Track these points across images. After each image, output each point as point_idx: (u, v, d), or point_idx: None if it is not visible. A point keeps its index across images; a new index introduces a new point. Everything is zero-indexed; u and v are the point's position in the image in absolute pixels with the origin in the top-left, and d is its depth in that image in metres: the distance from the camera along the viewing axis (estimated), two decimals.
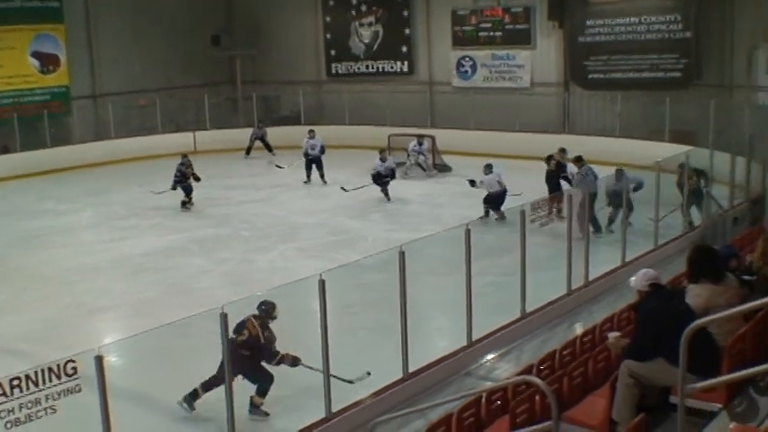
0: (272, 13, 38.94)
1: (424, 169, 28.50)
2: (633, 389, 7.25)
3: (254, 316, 11.47)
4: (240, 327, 11.25)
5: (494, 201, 21.51)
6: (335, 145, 30.87)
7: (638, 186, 18.02)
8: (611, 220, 18.72)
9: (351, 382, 11.29)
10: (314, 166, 27.67)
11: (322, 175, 27.58)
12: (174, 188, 24.40)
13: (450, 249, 13.09)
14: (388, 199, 24.48)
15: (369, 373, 11.54)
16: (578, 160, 20.41)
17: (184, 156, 25.33)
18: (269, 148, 33.19)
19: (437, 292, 15.14)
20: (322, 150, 27.79)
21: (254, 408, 11.25)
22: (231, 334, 10.40)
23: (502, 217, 20.57)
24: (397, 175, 25.99)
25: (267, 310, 11.57)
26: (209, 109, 35.86)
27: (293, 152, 29.30)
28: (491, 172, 21.90)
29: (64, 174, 31.04)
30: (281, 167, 23.02)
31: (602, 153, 26.92)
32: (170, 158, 32.20)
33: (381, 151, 25.72)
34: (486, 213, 21.60)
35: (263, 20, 39.12)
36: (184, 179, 24.47)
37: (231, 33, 38.92)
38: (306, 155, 27.90)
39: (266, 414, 11.25)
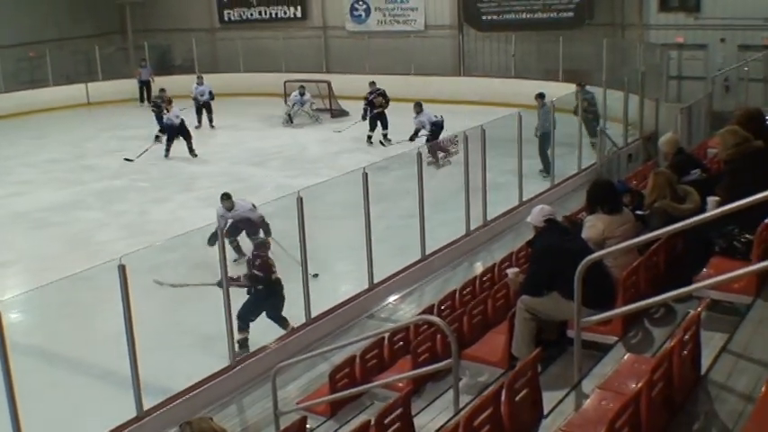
0: None
1: (310, 117, 28.48)
2: (530, 323, 7.41)
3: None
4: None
5: (436, 136, 21.47)
6: (230, 93, 30.64)
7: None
8: None
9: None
10: (204, 110, 27.82)
11: (211, 120, 27.92)
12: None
13: (349, 194, 13.14)
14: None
15: (316, 275, 11.70)
16: (539, 97, 19.76)
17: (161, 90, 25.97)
18: (149, 93, 32.97)
19: (338, 238, 15.22)
20: (211, 96, 27.95)
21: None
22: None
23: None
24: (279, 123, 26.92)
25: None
26: (101, 60, 35.09)
27: (186, 100, 28.94)
28: (422, 110, 22.47)
29: None
30: (129, 160, 22.42)
31: (497, 95, 27.28)
32: (63, 111, 31.77)
33: None
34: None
35: None
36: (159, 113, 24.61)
37: None
38: (195, 100, 27.77)
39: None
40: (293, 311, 11.54)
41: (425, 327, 8.69)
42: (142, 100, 33.30)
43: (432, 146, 18.94)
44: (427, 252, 13.46)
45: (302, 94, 28.31)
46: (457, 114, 24.91)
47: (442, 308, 9.47)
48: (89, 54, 35.10)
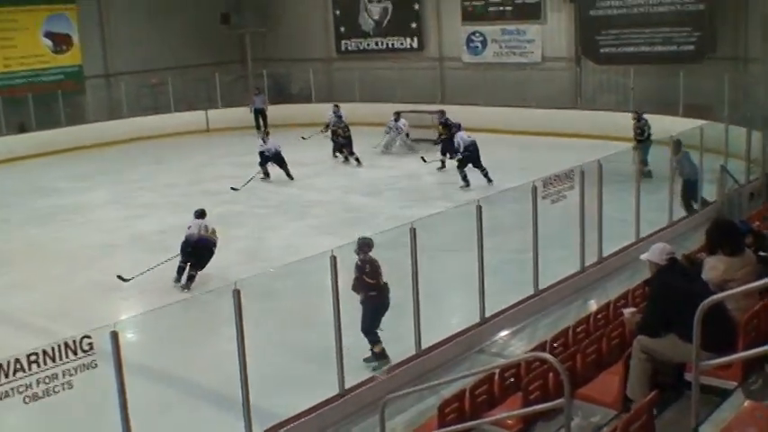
0: None
1: (406, 146, 28.66)
2: (646, 365, 7.23)
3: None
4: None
5: (474, 155, 22.86)
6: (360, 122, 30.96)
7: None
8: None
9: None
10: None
11: (351, 153, 27.53)
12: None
13: (462, 226, 13.08)
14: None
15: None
16: (677, 147, 17.98)
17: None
18: (265, 122, 33.61)
19: (450, 269, 15.16)
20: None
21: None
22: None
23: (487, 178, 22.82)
24: (377, 149, 27.29)
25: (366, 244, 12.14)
26: (221, 87, 35.89)
27: (304, 129, 29.29)
28: (459, 129, 23.44)
29: (79, 152, 31.19)
30: (235, 189, 22.69)
31: (615, 128, 26.87)
32: (182, 137, 32.56)
33: None
34: (466, 180, 22.87)
35: None
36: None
37: (240, 11, 38.79)
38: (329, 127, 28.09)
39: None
40: (403, 344, 11.49)
41: (537, 364, 8.54)
42: (258, 128, 33.84)
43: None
44: (540, 287, 13.30)
45: (396, 120, 28.36)
46: (573, 148, 24.74)
47: (555, 345, 9.30)
48: (209, 82, 35.93)
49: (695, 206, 17.55)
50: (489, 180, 22.90)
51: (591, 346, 8.58)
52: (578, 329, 9.62)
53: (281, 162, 24.80)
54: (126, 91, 34.54)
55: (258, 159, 25.01)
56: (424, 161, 25.40)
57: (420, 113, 29.68)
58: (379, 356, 11.91)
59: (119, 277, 16.29)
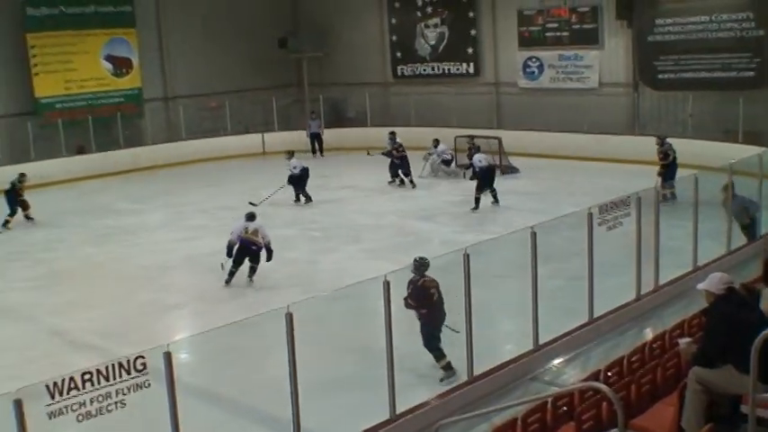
0: (339, 16, 39.13)
1: (446, 173, 28.71)
2: (702, 396, 7.11)
3: (422, 277, 12.35)
4: (426, 290, 12.25)
5: (485, 181, 23.68)
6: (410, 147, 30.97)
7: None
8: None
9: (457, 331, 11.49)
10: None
11: (407, 174, 27.51)
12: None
13: (516, 252, 12.99)
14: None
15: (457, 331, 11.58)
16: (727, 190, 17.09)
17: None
18: (320, 146, 34.01)
19: (503, 295, 15.06)
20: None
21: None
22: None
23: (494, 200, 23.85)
24: (417, 174, 27.37)
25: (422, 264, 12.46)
26: (277, 111, 36.19)
27: (359, 153, 29.38)
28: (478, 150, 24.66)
29: (137, 174, 31.71)
30: (253, 204, 22.64)
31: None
32: (239, 159, 32.88)
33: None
34: (477, 204, 23.58)
35: (329, 22, 39.31)
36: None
37: (298, 36, 39.16)
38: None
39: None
40: (456, 369, 11.42)
41: (591, 393, 8.44)
42: (314, 152, 34.14)
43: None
44: (595, 315, 13.15)
45: (435, 146, 28.31)
46: (630, 174, 24.55)
47: (609, 374, 9.18)
48: (266, 105, 36.31)
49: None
50: (496, 201, 23.95)
51: (646, 376, 8.47)
52: (633, 359, 9.50)
53: (298, 184, 25.33)
54: (184, 114, 34.99)
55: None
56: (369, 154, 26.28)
57: (478, 138, 29.63)
58: (447, 369, 12.09)
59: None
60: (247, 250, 17.73)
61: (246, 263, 17.74)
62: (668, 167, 22.95)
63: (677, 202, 20.03)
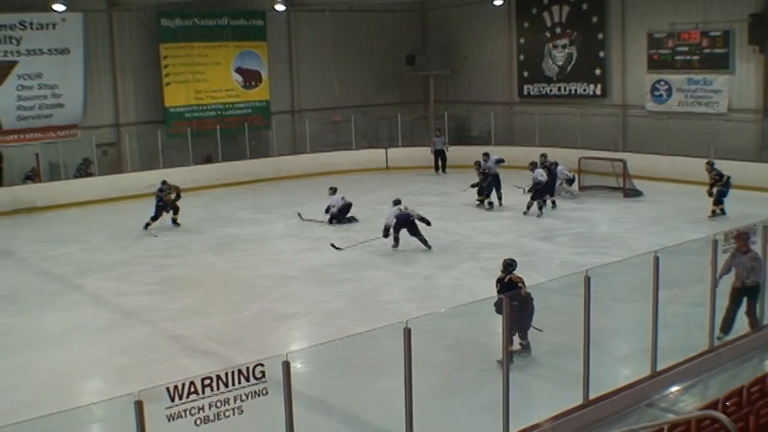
0: (467, 34, 39.34)
1: (566, 192, 28.54)
2: None
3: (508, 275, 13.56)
4: (512, 285, 13.13)
5: (543, 191, 25.90)
6: (524, 166, 30.81)
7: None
8: None
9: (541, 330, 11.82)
10: (494, 186, 27.56)
11: (500, 197, 27.51)
12: None
13: (637, 276, 12.89)
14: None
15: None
16: None
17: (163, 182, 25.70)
18: (444, 163, 34.20)
19: (622, 319, 14.92)
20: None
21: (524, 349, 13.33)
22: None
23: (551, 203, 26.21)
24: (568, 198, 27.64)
25: (511, 263, 13.79)
26: (402, 127, 36.49)
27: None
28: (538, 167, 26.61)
29: (261, 184, 32.40)
30: (337, 248, 22.84)
31: None
32: (362, 173, 33.28)
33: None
34: (541, 206, 25.79)
35: (457, 40, 39.57)
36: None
37: (426, 53, 39.46)
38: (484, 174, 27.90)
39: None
40: (570, 392, 11.36)
41: (708, 422, 8.34)
42: (437, 169, 34.28)
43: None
44: (715, 343, 12.94)
45: (556, 165, 28.07)
46: (758, 202, 24.06)
47: (728, 404, 9.05)
48: (391, 121, 36.70)
49: None
50: (500, 203, 27.12)
51: (765, 408, 8.32)
52: (753, 389, 9.33)
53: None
54: (310, 127, 35.56)
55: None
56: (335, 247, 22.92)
57: (602, 160, 29.44)
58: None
59: (332, 245, 21.88)
60: (404, 222, 21.54)
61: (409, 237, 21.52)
62: (723, 187, 24.59)
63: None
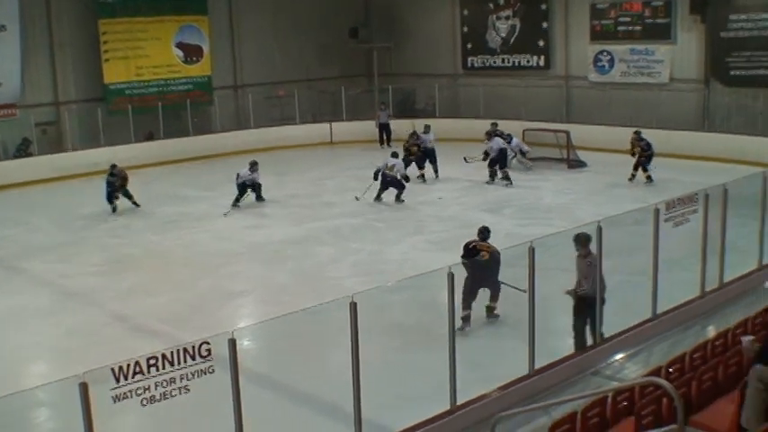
0: (410, 6, 39.20)
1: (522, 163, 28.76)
2: (763, 394, 7.07)
3: (478, 241, 14.35)
4: (475, 252, 14.01)
5: (498, 161, 26.23)
6: (469, 138, 30.92)
7: None
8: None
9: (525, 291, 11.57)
10: (428, 159, 27.69)
11: (436, 170, 27.66)
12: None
13: None
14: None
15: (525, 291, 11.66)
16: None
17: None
18: (389, 136, 34.26)
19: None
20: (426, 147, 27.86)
21: (491, 313, 14.18)
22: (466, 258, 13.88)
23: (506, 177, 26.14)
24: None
25: (484, 230, 14.57)
26: (346, 100, 36.35)
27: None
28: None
29: (205, 161, 32.03)
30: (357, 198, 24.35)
31: (742, 152, 26.33)
32: (306, 148, 33.14)
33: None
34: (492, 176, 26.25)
35: (400, 13, 39.41)
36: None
37: (369, 26, 39.34)
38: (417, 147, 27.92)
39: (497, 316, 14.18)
40: (516, 362, 11.45)
41: (651, 388, 8.43)
42: (382, 143, 34.23)
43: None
44: (658, 311, 13.09)
45: (495, 131, 28.16)
46: (698, 171, 24.39)
47: (670, 370, 9.17)
48: (335, 95, 36.48)
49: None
50: (436, 175, 27.53)
51: (707, 373, 8.46)
52: (695, 355, 9.47)
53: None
54: (253, 102, 35.26)
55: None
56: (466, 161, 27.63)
57: (546, 132, 29.60)
58: (464, 320, 13.66)
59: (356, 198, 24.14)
60: (385, 181, 23.79)
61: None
62: (649, 156, 25.51)
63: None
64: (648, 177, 25.31)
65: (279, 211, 23.65)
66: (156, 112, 32.95)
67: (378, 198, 23.96)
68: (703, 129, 30.10)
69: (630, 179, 25.47)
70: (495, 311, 14.19)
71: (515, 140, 28.26)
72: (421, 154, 27.37)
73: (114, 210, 24.09)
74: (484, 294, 14.00)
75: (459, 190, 25.70)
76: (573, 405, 8.87)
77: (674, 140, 28.57)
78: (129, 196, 24.45)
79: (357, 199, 24.24)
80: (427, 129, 28.41)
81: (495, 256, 14.02)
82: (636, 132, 25.90)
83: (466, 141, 30.44)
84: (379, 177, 23.92)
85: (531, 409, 9.74)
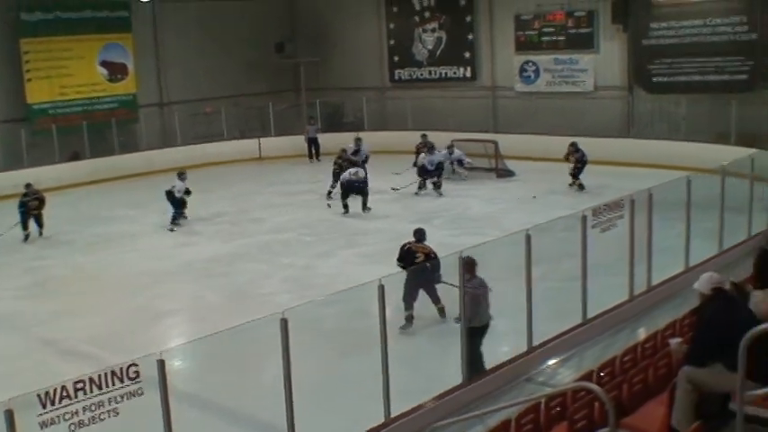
0: (336, 21, 39.22)
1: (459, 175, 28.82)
2: (692, 395, 7.15)
3: (414, 242, 14.95)
4: (411, 253, 14.65)
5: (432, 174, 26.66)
6: (398, 150, 30.98)
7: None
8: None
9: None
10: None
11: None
12: None
13: (511, 254, 13.04)
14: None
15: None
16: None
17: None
18: (317, 150, 34.14)
19: (498, 298, 15.07)
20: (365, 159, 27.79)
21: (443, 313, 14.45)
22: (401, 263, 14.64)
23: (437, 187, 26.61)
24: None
25: (419, 232, 15.17)
26: (274, 116, 36.24)
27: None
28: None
29: (132, 180, 31.56)
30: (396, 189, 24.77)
31: (666, 157, 26.71)
32: (235, 165, 32.92)
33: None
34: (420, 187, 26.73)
35: (326, 27, 39.40)
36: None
37: (295, 41, 39.31)
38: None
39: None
40: (451, 372, 11.45)
41: (583, 393, 8.49)
42: (311, 157, 34.23)
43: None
44: (589, 316, 13.20)
45: (450, 152, 28.27)
46: (624, 176, 24.62)
47: (602, 374, 9.24)
48: (263, 110, 36.36)
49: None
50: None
51: (637, 376, 8.52)
52: (625, 359, 9.55)
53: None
54: (179, 119, 34.97)
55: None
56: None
57: (474, 142, 29.77)
58: (407, 320, 14.35)
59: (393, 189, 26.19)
60: (352, 186, 24.11)
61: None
62: (583, 166, 26.15)
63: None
64: (580, 185, 25.76)
65: (208, 228, 23.44)
66: (81, 131, 32.48)
67: (344, 206, 24.15)
68: (628, 135, 30.55)
69: (571, 185, 26.02)
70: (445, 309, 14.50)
71: (458, 152, 28.38)
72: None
73: (26, 238, 23.08)
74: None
75: (388, 202, 25.70)
76: (507, 412, 8.88)
77: (600, 147, 28.85)
78: (40, 223, 23.37)
79: (395, 190, 26.46)
80: (358, 143, 28.30)
81: (431, 258, 14.48)
82: (572, 144, 26.30)
83: (395, 153, 30.49)
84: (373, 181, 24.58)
85: (465, 418, 9.73)
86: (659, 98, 30.52)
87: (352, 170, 24.50)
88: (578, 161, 26.00)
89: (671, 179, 16.87)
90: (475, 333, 11.92)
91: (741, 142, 24.86)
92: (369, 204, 24.30)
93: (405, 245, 14.99)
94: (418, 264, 14.51)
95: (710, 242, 16.43)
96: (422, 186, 26.58)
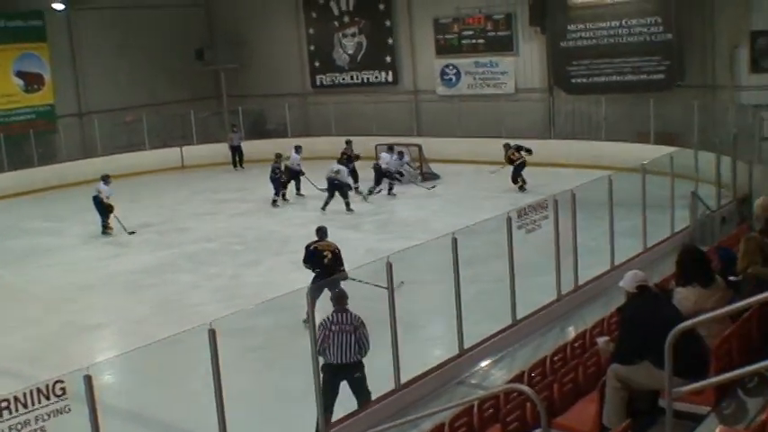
0: (255, 27, 38.94)
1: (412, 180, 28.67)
2: (621, 392, 7.25)
3: (318, 241, 15.34)
4: (318, 252, 15.04)
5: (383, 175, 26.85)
6: (322, 156, 30.89)
7: None
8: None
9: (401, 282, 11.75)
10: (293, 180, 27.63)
11: (298, 188, 27.79)
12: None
13: (440, 257, 13.10)
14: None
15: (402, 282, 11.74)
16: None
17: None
18: (241, 158, 34.04)
19: (428, 302, 15.17)
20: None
21: None
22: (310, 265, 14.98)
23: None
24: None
25: (322, 230, 15.59)
26: (196, 124, 35.95)
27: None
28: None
29: (52, 192, 31.05)
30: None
31: (588, 157, 27.09)
32: (157, 174, 32.52)
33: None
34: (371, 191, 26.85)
35: (245, 33, 39.09)
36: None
37: (215, 47, 38.93)
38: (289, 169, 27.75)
39: None
40: (383, 378, 11.46)
41: (515, 394, 8.56)
42: (235, 165, 34.03)
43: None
44: (518, 317, 13.32)
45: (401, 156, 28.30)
46: (547, 177, 24.89)
47: (533, 375, 9.31)
48: (184, 118, 36.00)
49: None
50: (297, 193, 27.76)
51: (568, 375, 8.61)
52: (556, 358, 9.64)
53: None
54: (99, 129, 34.45)
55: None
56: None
57: (398, 146, 29.77)
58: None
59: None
60: (333, 185, 24.51)
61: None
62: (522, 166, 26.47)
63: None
64: (521, 187, 26.12)
65: (133, 239, 23.15)
66: None
67: (324, 207, 24.60)
68: (550, 136, 30.89)
69: (521, 187, 26.23)
70: None
71: (406, 157, 28.39)
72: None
73: None
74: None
75: (316, 209, 25.63)
76: (441, 416, 8.92)
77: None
78: None
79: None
80: (298, 149, 28.14)
81: (336, 255, 15.10)
82: (516, 146, 26.74)
83: (319, 159, 30.39)
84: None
85: (399, 423, 9.73)
86: (579, 99, 30.92)
87: (335, 168, 24.93)
88: (519, 157, 26.41)
89: (593, 179, 17.11)
90: (329, 371, 10.93)
91: (661, 141, 25.31)
92: (351, 206, 24.74)
93: (309, 245, 15.34)
94: (327, 263, 14.88)
95: (635, 240, 16.68)
96: (379, 183, 26.98)
